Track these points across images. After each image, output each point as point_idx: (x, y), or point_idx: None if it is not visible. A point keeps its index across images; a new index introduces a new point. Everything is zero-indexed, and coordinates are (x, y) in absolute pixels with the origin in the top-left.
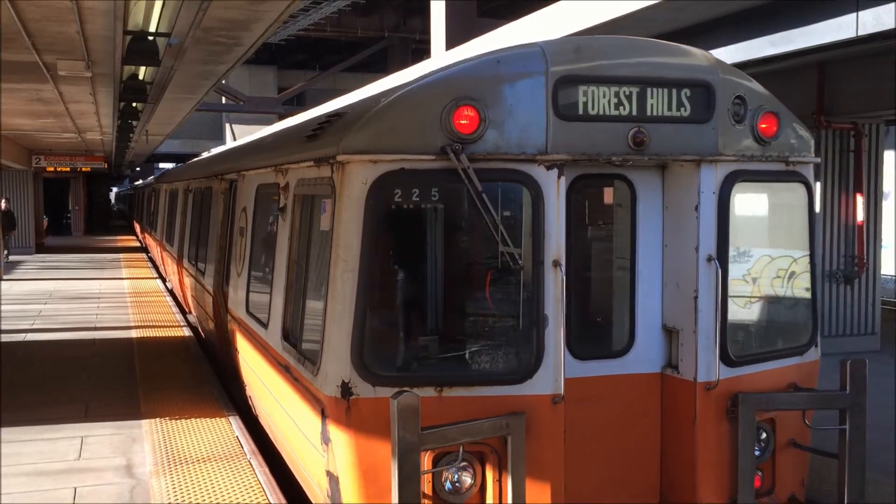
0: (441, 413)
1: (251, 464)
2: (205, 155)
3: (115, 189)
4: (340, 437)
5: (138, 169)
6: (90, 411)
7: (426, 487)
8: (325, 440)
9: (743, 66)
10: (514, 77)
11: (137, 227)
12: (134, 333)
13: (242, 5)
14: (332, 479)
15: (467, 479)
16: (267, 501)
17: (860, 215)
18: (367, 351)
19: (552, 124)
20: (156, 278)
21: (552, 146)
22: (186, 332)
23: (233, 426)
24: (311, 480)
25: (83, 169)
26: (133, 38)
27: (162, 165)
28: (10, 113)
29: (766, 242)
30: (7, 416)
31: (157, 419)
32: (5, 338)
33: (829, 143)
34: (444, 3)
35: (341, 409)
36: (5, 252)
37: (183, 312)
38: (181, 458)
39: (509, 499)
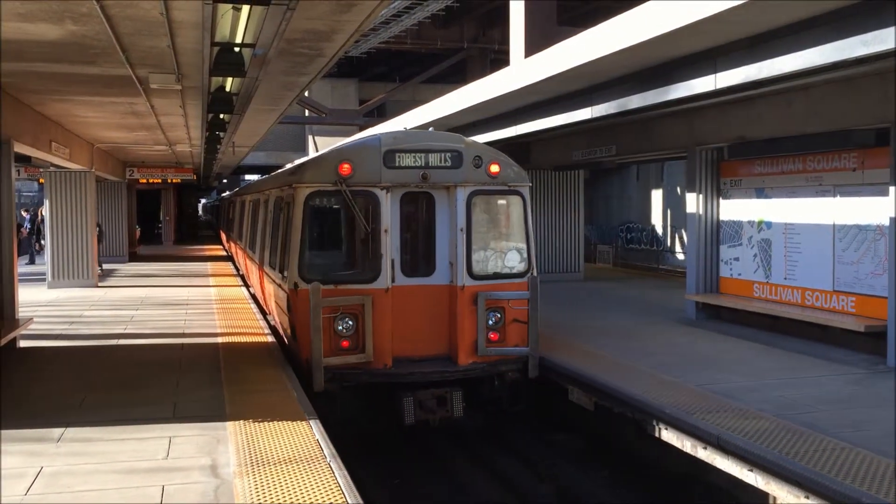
0: (342, 300)
1: (331, 466)
2: (266, 176)
3: (202, 200)
4: (294, 306)
5: (225, 181)
6: (178, 412)
7: (331, 329)
8: (288, 309)
9: (837, 66)
10: (367, 150)
11: (223, 237)
12: (220, 339)
13: (324, 16)
14: (292, 326)
15: (349, 324)
16: (346, 502)
17: None
18: (305, 270)
19: (382, 170)
20: (241, 286)
21: (383, 180)
22: (270, 338)
23: (313, 430)
24: (285, 330)
25: (173, 180)
26: (220, 49)
27: (248, 177)
28: (106, 126)
29: (503, 225)
30: (102, 415)
31: (241, 421)
32: (102, 342)
33: None
34: (523, 12)
35: (294, 294)
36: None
37: (246, 285)
38: (264, 460)
39: (367, 333)
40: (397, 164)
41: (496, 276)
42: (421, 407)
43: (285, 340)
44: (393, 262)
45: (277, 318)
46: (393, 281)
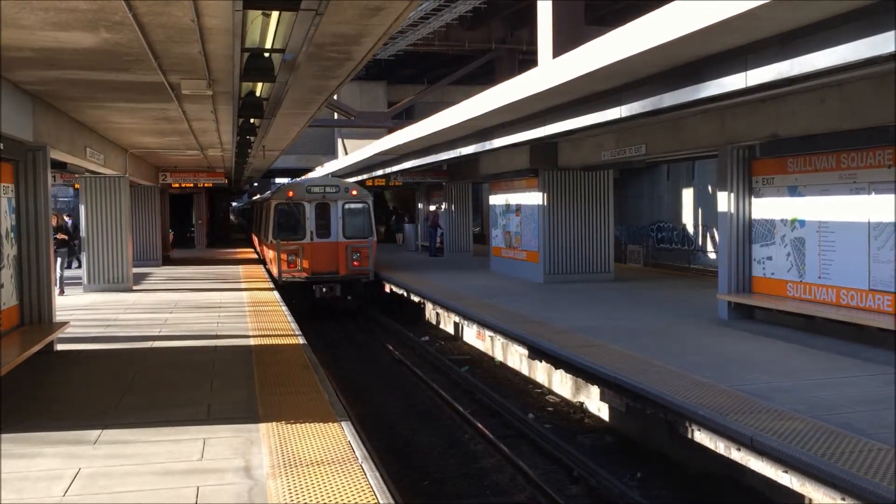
0: (289, 246)
1: (363, 468)
2: (264, 195)
3: (234, 204)
4: (270, 251)
5: (256, 184)
6: (212, 414)
7: (285, 259)
8: (268, 250)
9: (870, 62)
10: (300, 185)
11: (255, 240)
12: (252, 341)
13: (352, 20)
14: (271, 260)
15: (293, 257)
16: (378, 503)
17: None
18: (274, 234)
19: (306, 194)
20: (272, 289)
21: (307, 199)
22: (301, 339)
23: (345, 432)
24: (269, 262)
25: (205, 185)
26: (250, 55)
27: (278, 180)
28: (139, 132)
29: (359, 218)
30: (138, 417)
31: (274, 423)
32: (137, 345)
33: None
34: (550, 12)
35: (270, 244)
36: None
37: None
38: (296, 461)
39: (301, 261)
40: (312, 192)
41: (357, 238)
42: (322, 292)
43: (269, 267)
44: (312, 232)
45: (266, 257)
46: (312, 239)
